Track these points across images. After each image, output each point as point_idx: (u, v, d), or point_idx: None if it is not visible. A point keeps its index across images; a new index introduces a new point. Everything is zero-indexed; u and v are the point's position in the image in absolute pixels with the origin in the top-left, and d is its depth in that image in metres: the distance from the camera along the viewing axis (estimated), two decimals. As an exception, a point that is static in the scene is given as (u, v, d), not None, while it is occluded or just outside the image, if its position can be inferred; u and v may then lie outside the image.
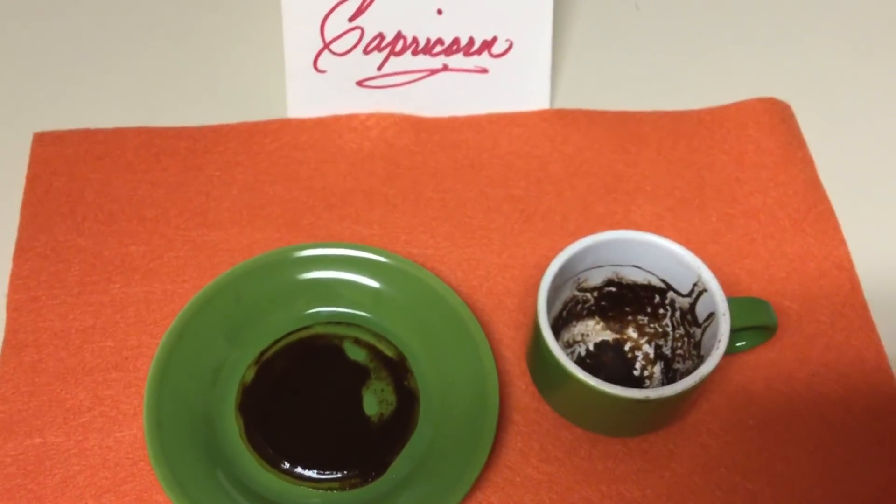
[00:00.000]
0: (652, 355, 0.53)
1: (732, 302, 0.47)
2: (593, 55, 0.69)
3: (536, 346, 0.48)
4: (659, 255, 0.49)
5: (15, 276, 0.56)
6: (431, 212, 0.60)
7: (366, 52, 0.61)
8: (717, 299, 0.47)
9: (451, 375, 0.51)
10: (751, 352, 0.54)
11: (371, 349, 0.53)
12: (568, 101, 0.66)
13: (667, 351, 0.52)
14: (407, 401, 0.52)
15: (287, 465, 0.49)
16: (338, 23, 0.60)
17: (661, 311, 0.52)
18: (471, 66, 0.62)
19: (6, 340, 0.54)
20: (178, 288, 0.56)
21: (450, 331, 0.52)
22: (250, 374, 0.52)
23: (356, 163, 0.62)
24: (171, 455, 0.47)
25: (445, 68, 0.62)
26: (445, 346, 0.52)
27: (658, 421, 0.50)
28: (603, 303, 0.53)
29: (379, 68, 0.62)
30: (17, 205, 0.59)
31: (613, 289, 0.52)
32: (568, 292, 0.52)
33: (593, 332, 0.54)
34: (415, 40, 0.61)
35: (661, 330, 0.53)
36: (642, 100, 0.66)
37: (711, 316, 0.47)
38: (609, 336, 0.54)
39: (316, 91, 0.62)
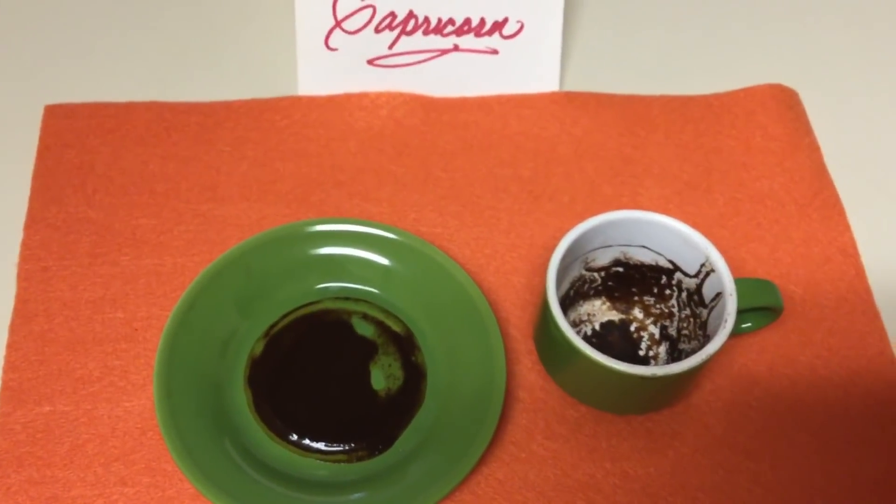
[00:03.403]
0: (657, 336, 0.53)
1: (740, 282, 0.48)
2: (603, 39, 0.70)
3: (544, 322, 0.49)
4: (667, 235, 0.50)
5: (26, 247, 0.56)
6: (440, 191, 0.60)
7: (377, 30, 0.61)
8: (725, 279, 0.47)
9: (458, 352, 0.52)
10: (755, 334, 0.54)
11: (379, 325, 0.54)
12: (577, 84, 0.66)
13: (672, 332, 0.53)
14: (414, 376, 0.52)
15: (295, 436, 0.50)
16: (349, 1, 0.60)
17: (668, 291, 0.52)
18: (481, 47, 0.62)
19: (16, 310, 0.54)
20: (187, 261, 0.56)
21: (457, 308, 0.52)
22: (259, 347, 0.53)
23: (366, 141, 0.62)
24: (181, 424, 0.48)
25: (456, 49, 0.62)
26: (453, 323, 0.53)
27: (663, 399, 0.50)
28: (610, 283, 0.54)
29: (390, 47, 0.62)
30: (28, 176, 0.59)
31: (621, 269, 0.53)
32: (576, 271, 0.52)
33: (600, 312, 0.54)
34: (426, 20, 0.61)
35: (667, 311, 0.53)
36: (651, 84, 0.66)
37: (718, 296, 0.48)
38: (615, 316, 0.54)
39: (327, 69, 0.63)
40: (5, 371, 0.52)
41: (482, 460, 0.50)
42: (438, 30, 0.62)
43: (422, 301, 0.54)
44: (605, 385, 0.48)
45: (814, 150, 0.63)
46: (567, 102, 0.64)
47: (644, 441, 0.51)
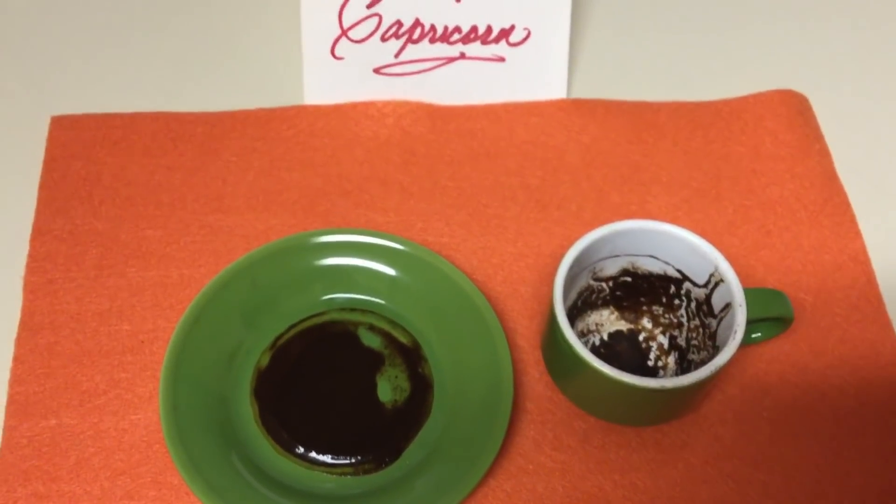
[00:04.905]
0: (666, 346, 0.53)
1: (749, 293, 0.47)
2: (611, 45, 0.69)
3: (552, 334, 0.48)
4: (676, 245, 0.49)
5: (32, 259, 0.56)
6: (447, 200, 0.60)
7: (383, 39, 0.61)
8: (735, 290, 0.47)
9: (465, 363, 0.51)
10: (765, 343, 0.54)
11: (386, 336, 0.53)
12: (585, 91, 0.65)
13: (681, 342, 0.52)
14: (421, 388, 0.52)
15: (301, 449, 0.49)
16: (356, 9, 0.60)
17: (677, 301, 0.52)
18: (488, 55, 0.62)
19: (22, 322, 0.54)
20: (194, 272, 0.56)
21: (464, 318, 0.52)
22: (265, 359, 0.52)
23: (372, 150, 0.62)
24: (187, 437, 0.47)
25: (463, 56, 0.62)
26: (460, 334, 0.52)
27: (672, 411, 0.50)
28: (618, 293, 0.53)
29: (396, 56, 0.62)
30: (34, 188, 0.59)
31: (629, 279, 0.52)
32: (583, 281, 0.52)
33: (608, 322, 0.54)
34: (432, 28, 0.61)
35: (675, 321, 0.53)
36: (659, 90, 0.66)
37: (727, 306, 0.47)
38: (624, 326, 0.54)
39: (333, 78, 0.62)
40: (11, 384, 0.52)
41: (490, 472, 0.49)
42: (445, 38, 0.61)
43: (429, 312, 0.53)
44: (614, 397, 0.47)
45: (824, 155, 0.62)
46: (574, 110, 0.64)
47: (653, 452, 0.51)
